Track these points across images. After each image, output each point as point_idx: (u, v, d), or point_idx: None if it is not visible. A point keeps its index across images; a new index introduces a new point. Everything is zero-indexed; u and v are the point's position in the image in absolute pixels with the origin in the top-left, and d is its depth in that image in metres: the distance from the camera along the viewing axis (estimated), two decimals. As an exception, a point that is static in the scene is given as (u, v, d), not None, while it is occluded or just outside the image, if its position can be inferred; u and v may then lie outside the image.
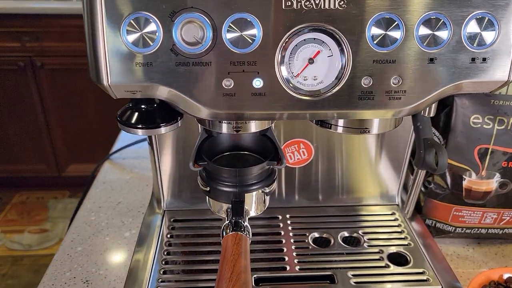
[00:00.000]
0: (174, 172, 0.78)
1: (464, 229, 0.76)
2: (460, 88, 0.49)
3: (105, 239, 0.78)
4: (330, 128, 0.56)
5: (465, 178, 0.71)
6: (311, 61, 0.46)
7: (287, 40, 0.45)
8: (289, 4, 0.44)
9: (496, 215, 0.74)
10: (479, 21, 0.45)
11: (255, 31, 0.44)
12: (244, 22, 0.44)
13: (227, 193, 0.58)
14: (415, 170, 0.72)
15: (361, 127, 0.55)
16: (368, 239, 0.74)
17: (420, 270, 0.67)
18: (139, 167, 1.01)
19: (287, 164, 0.78)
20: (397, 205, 0.83)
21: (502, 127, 0.68)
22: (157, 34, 0.43)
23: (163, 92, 0.46)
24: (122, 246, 0.76)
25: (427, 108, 0.56)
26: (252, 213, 0.60)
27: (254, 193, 0.58)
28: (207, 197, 0.61)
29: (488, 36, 0.46)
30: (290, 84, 0.46)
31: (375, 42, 0.45)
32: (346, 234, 0.75)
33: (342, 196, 0.82)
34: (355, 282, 0.64)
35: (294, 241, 0.73)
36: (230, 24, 0.44)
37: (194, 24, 0.43)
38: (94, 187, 0.94)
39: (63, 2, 2.35)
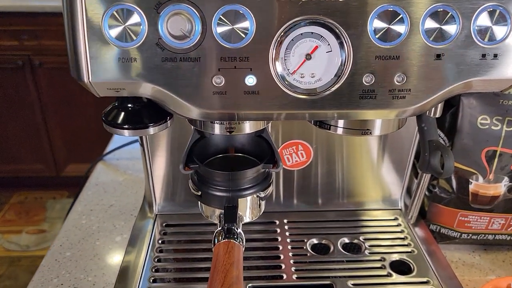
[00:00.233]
0: (167, 174, 0.76)
1: (470, 235, 0.75)
2: (469, 87, 0.47)
3: (95, 244, 0.76)
4: (330, 129, 0.54)
5: (471, 182, 0.70)
6: (308, 57, 0.43)
7: (282, 34, 0.43)
8: (285, -6, 0.42)
9: (504, 220, 0.72)
10: (490, 14, 0.43)
11: (248, 24, 0.42)
12: (235, 14, 0.42)
13: (220, 198, 0.56)
14: (419, 173, 0.71)
15: (363, 128, 0.53)
16: (369, 246, 0.72)
17: (424, 279, 0.66)
18: (133, 168, 1.00)
19: (285, 167, 0.77)
20: (400, 209, 0.82)
21: (511, 128, 0.66)
22: (141, 27, 0.41)
23: (148, 90, 0.44)
24: (113, 251, 0.74)
25: (433, 108, 0.55)
26: (246, 219, 0.59)
27: (248, 198, 0.57)
28: (199, 202, 0.59)
29: (500, 30, 0.44)
30: (286, 82, 0.44)
31: (377, 36, 0.43)
32: (346, 240, 0.74)
33: (343, 200, 0.81)
34: (355, 292, 0.63)
35: (292, 248, 0.72)
36: (221, 17, 0.42)
37: (182, 16, 0.41)
38: (86, 189, 0.92)
39: (62, 0, 2.35)
